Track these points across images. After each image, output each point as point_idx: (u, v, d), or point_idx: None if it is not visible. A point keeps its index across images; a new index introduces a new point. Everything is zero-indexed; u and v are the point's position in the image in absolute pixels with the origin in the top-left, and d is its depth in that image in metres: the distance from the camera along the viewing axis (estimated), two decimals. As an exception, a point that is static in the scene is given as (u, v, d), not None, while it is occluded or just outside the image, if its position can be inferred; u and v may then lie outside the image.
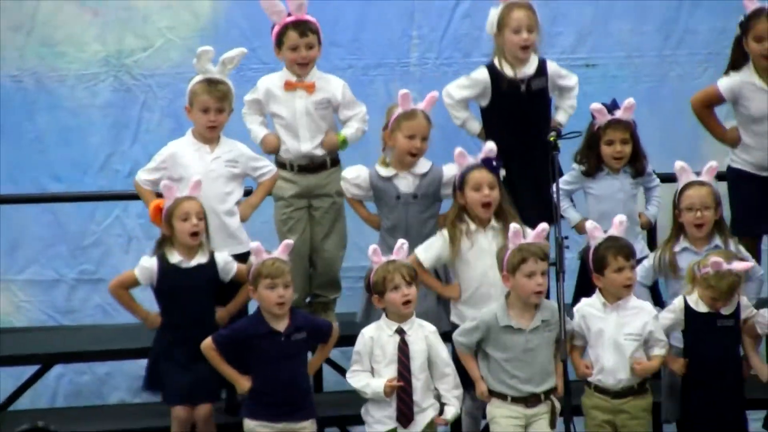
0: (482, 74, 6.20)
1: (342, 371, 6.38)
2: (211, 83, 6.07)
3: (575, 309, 5.70)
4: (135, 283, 6.01)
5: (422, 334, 5.77)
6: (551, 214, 5.85)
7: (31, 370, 6.78)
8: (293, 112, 6.33)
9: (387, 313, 5.72)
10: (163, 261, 5.98)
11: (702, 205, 5.88)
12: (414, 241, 6.06)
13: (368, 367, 5.78)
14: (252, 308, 6.04)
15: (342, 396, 6.29)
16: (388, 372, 5.70)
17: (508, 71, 6.21)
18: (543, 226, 5.73)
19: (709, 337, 5.68)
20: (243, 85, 6.48)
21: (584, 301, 5.69)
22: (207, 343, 5.76)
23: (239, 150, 6.17)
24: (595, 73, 7.46)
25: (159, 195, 6.12)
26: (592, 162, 6.08)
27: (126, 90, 7.64)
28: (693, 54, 7.52)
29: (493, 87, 6.24)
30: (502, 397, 5.72)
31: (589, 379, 5.62)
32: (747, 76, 6.28)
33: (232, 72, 6.18)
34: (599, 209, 6.06)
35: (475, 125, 6.22)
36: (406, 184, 6.15)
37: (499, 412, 5.75)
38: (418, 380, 5.69)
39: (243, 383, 5.79)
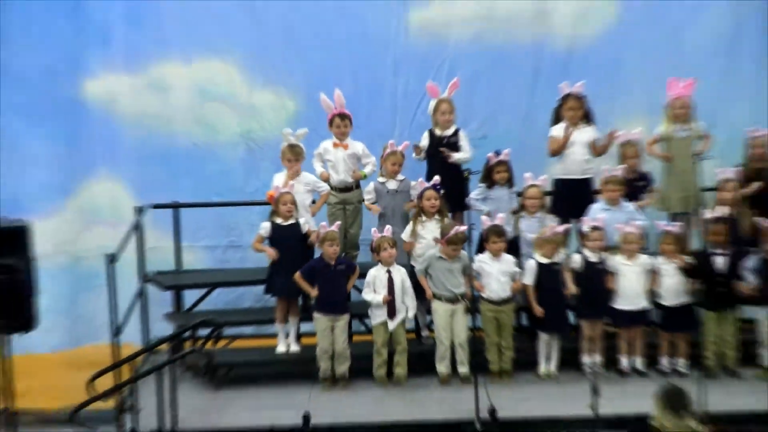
0: (426, 135, 7.97)
1: (359, 291, 7.68)
2: (291, 146, 7.62)
3: (476, 258, 7.46)
4: (262, 239, 7.43)
5: (399, 273, 7.37)
6: (467, 210, 7.60)
7: (202, 291, 8.47)
8: (337, 160, 7.95)
9: (381, 261, 7.37)
10: (273, 223, 7.39)
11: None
12: (395, 220, 7.62)
13: (373, 288, 7.38)
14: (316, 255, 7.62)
15: (360, 304, 7.65)
16: (382, 292, 7.32)
17: (438, 132, 7.99)
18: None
19: (547, 276, 7.53)
20: (315, 144, 8.04)
21: (481, 255, 7.53)
22: (297, 274, 7.22)
23: (311, 178, 7.74)
24: (487, 140, 8.91)
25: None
26: (490, 182, 7.82)
27: (251, 151, 9.60)
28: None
29: (431, 139, 7.99)
30: (438, 297, 7.35)
31: (483, 294, 7.35)
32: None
33: (306, 137, 7.69)
34: (493, 207, 7.84)
35: (423, 155, 7.86)
36: (392, 185, 7.70)
37: (437, 305, 7.41)
38: (397, 296, 7.29)
39: (313, 293, 7.31)
